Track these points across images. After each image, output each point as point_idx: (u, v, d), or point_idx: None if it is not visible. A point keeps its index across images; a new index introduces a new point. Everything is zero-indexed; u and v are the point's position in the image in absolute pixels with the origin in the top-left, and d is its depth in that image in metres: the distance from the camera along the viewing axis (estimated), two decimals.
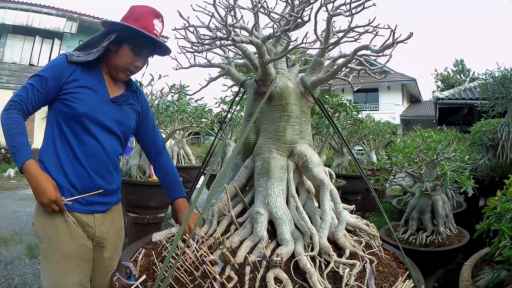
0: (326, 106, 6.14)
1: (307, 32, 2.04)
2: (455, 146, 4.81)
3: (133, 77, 2.51)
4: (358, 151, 14.48)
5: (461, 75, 45.24)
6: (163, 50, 2.41)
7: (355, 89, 3.09)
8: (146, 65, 2.41)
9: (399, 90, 37.96)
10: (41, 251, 2.19)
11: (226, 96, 5.38)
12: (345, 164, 8.62)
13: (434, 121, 17.21)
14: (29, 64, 21.32)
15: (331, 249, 1.99)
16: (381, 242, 2.43)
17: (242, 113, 5.91)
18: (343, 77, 2.73)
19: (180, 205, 2.52)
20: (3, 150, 18.60)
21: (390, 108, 35.90)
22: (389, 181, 4.90)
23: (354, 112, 6.71)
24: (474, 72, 43.28)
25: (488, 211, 2.61)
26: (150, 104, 5.04)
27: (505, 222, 2.39)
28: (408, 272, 2.18)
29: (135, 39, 2.19)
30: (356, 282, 1.86)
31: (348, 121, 7.09)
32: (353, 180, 7.51)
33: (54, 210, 2.03)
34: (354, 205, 2.67)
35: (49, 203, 2.00)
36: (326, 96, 5.96)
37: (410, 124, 29.25)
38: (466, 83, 31.13)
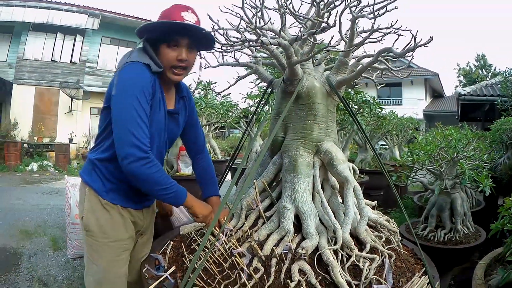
0: (350, 102, 6.21)
1: (333, 36, 2.10)
2: (475, 144, 4.80)
3: None
4: (381, 146, 14.37)
5: (483, 70, 44.62)
6: (204, 37, 2.24)
7: (378, 87, 3.12)
8: (195, 57, 2.33)
9: (422, 85, 37.58)
10: (91, 245, 2.26)
11: (252, 91, 5.44)
12: (369, 159, 8.62)
13: (457, 117, 17.02)
14: (51, 60, 21.43)
15: (353, 243, 2.06)
16: (400, 238, 2.48)
17: (267, 108, 6.00)
18: (366, 76, 2.77)
19: (212, 202, 2.58)
20: (26, 145, 18.80)
21: (413, 103, 35.65)
22: (410, 178, 4.93)
23: (378, 109, 6.75)
24: (495, 67, 42.81)
25: (503, 211, 2.63)
26: None
27: None
28: (424, 268, 2.23)
29: (166, 35, 2.15)
30: (375, 276, 1.93)
31: (372, 118, 7.13)
32: (376, 176, 7.45)
33: (207, 222, 2.35)
34: (376, 201, 2.73)
35: (205, 217, 2.33)
36: (351, 92, 6.00)
37: (433, 120, 28.94)
38: (487, 78, 30.68)
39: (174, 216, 3.11)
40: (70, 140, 19.63)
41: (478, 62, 45.46)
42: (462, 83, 43.98)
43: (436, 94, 41.14)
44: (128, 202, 2.28)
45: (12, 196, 10.20)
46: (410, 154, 4.79)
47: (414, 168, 4.79)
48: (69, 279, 4.82)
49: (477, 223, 4.76)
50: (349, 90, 5.93)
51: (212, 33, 2.18)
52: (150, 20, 21.03)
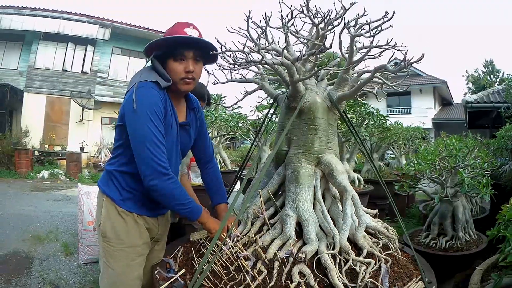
0: (354, 115, 6.33)
1: (334, 52, 2.25)
2: (476, 153, 4.90)
3: None
4: (390, 156, 14.41)
5: (491, 76, 44.12)
6: (208, 49, 2.35)
7: (380, 99, 3.23)
8: (202, 66, 2.46)
9: (430, 93, 37.40)
10: (107, 250, 2.38)
11: (260, 104, 5.61)
12: (377, 168, 8.57)
13: (465, 125, 16.98)
14: (62, 69, 21.61)
15: (350, 248, 2.20)
16: (398, 244, 2.59)
17: (275, 119, 6.13)
18: (368, 89, 2.89)
19: (221, 209, 2.75)
20: (37, 153, 18.99)
21: (422, 112, 35.54)
22: (413, 187, 5.03)
23: (382, 120, 6.86)
24: (503, 73, 42.35)
25: (500, 218, 2.74)
26: None
27: (511, 229, 2.54)
28: (424, 273, 2.34)
29: (172, 50, 2.28)
30: (371, 279, 2.06)
31: (377, 129, 7.23)
32: (382, 185, 7.46)
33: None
34: (377, 210, 2.79)
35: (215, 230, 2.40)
36: (355, 104, 6.12)
37: (442, 128, 28.90)
38: (496, 84, 30.43)
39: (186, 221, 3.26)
40: (82, 149, 19.76)
41: (486, 68, 44.98)
42: (471, 90, 43.54)
43: (445, 102, 40.88)
44: (143, 210, 2.41)
45: (23, 202, 10.30)
46: (412, 164, 4.88)
47: (416, 177, 4.89)
48: (81, 283, 4.92)
49: (481, 230, 4.82)
50: (353, 102, 6.06)
51: (221, 54, 2.31)
52: (161, 31, 21.24)
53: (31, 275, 5.12)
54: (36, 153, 19.02)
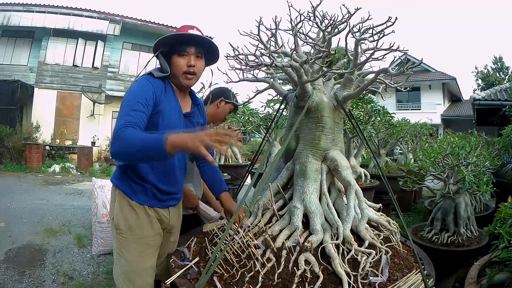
0: (361, 112, 6.44)
1: (344, 49, 2.39)
2: (479, 151, 4.98)
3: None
4: (399, 152, 14.41)
5: (500, 73, 43.52)
6: (210, 47, 2.54)
7: (384, 99, 3.33)
8: (204, 63, 2.60)
9: (440, 89, 37.02)
10: (119, 242, 2.51)
11: (273, 97, 5.73)
12: (381, 164, 8.72)
13: (473, 122, 16.86)
14: (73, 65, 21.70)
15: (353, 239, 2.35)
16: (399, 237, 2.73)
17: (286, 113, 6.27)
18: (373, 88, 3.02)
19: (224, 198, 2.85)
20: (48, 147, 19.12)
21: (432, 108, 35.18)
22: (417, 183, 5.13)
23: (388, 117, 6.97)
24: None
25: (497, 215, 2.83)
26: None
27: (505, 226, 2.62)
28: (423, 266, 2.45)
29: (176, 46, 2.46)
30: (371, 269, 2.21)
31: (383, 125, 7.33)
32: (388, 181, 7.48)
33: (215, 146, 1.84)
34: (380, 204, 2.94)
35: (211, 138, 1.82)
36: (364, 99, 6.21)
37: (451, 124, 28.67)
38: (505, 81, 30.12)
39: (201, 213, 3.40)
40: (93, 143, 19.81)
41: (496, 65, 44.37)
42: (480, 87, 43.02)
43: (454, 98, 40.42)
44: (154, 202, 2.53)
45: (35, 196, 10.40)
46: (415, 161, 4.97)
47: (419, 174, 4.99)
48: (94, 274, 5.04)
49: (484, 227, 4.87)
50: (360, 100, 6.17)
51: (234, 57, 2.46)
52: (171, 26, 21.30)
53: (45, 267, 5.22)
54: (47, 147, 19.11)
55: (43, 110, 20.41)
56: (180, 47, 2.46)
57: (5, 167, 16.17)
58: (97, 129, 21.38)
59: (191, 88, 2.72)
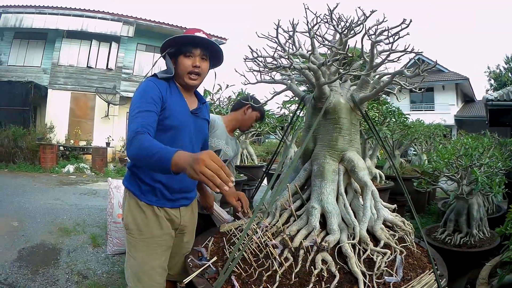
0: (377, 113, 6.45)
1: (360, 50, 2.41)
2: (491, 152, 4.99)
3: (200, 89, 2.85)
4: (413, 152, 14.36)
5: None
6: (215, 49, 2.66)
7: (399, 100, 3.34)
8: (209, 66, 2.71)
9: (453, 90, 36.89)
10: (129, 241, 2.58)
11: (291, 98, 5.75)
12: (396, 166, 8.63)
13: (486, 122, 16.71)
14: (87, 66, 21.88)
15: (369, 239, 2.38)
16: (414, 238, 2.73)
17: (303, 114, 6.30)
18: (389, 89, 3.04)
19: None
20: (62, 148, 19.28)
21: (445, 108, 35.10)
22: (431, 184, 5.13)
23: (403, 118, 6.99)
24: None
25: (508, 216, 2.86)
26: (218, 110, 5.48)
27: None
28: (436, 267, 2.47)
29: (183, 47, 2.57)
30: (386, 268, 2.23)
31: (398, 126, 7.35)
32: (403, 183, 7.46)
33: (211, 175, 1.73)
34: (395, 205, 2.91)
35: (208, 165, 1.73)
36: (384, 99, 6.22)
37: (464, 125, 28.54)
38: None
39: (214, 215, 3.42)
40: (108, 143, 19.96)
41: (508, 65, 43.89)
42: (492, 87, 42.57)
43: (467, 98, 40.19)
44: (163, 202, 2.58)
45: (49, 196, 10.46)
46: (429, 162, 4.97)
47: (433, 175, 5.00)
48: (108, 273, 5.08)
49: (495, 228, 4.87)
50: (376, 101, 6.18)
51: (252, 59, 2.52)
52: (184, 27, 21.39)
53: (59, 266, 5.27)
54: (61, 148, 19.31)
55: (57, 111, 20.58)
56: (186, 48, 2.57)
57: (19, 167, 16.30)
58: (111, 130, 21.54)
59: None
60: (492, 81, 43.71)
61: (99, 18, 21.37)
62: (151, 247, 2.55)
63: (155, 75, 2.57)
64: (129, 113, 2.37)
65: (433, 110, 35.97)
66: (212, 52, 2.67)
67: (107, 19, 21.51)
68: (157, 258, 2.57)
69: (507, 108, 12.87)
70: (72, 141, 19.91)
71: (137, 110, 2.30)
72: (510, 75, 41.54)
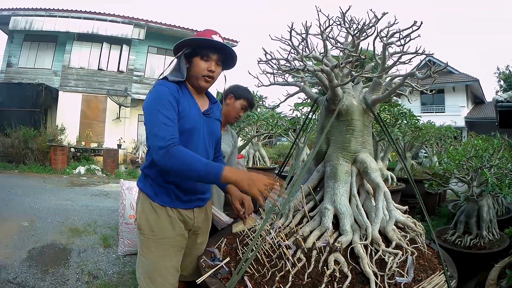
0: (388, 115, 6.46)
1: (372, 52, 2.44)
2: (501, 153, 4.97)
3: (213, 89, 2.86)
4: (424, 154, 14.32)
5: None
6: (231, 55, 2.67)
7: (411, 102, 3.36)
8: (221, 70, 2.71)
9: (463, 91, 36.58)
10: (142, 242, 2.59)
11: (304, 100, 5.75)
12: (408, 168, 8.59)
13: (496, 124, 16.59)
14: (98, 69, 21.92)
15: (381, 240, 2.40)
16: (425, 239, 2.75)
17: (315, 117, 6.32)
18: (400, 91, 3.06)
19: (232, 190, 2.81)
20: (73, 149, 19.37)
21: (456, 110, 34.85)
22: (442, 186, 5.13)
23: (414, 120, 6.99)
24: None
25: None
26: None
27: None
28: (446, 268, 2.46)
29: (200, 49, 2.54)
30: (398, 269, 2.25)
31: (410, 128, 7.35)
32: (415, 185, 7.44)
33: (268, 195, 2.18)
34: (407, 206, 2.96)
35: (266, 187, 2.16)
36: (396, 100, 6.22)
37: (475, 127, 28.37)
38: None
39: (214, 219, 3.34)
40: (119, 145, 19.98)
41: None
42: (502, 88, 42.34)
43: (477, 100, 39.93)
44: (176, 203, 2.56)
45: (60, 197, 10.46)
46: (441, 163, 4.97)
47: (444, 176, 5.00)
48: (119, 273, 5.08)
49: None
50: (388, 103, 6.19)
51: (266, 59, 2.54)
52: (196, 30, 21.44)
53: (69, 266, 5.26)
54: (72, 149, 19.35)
55: (68, 112, 20.64)
56: (204, 52, 2.55)
57: (29, 168, 16.35)
58: (123, 132, 21.59)
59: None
60: (502, 82, 43.45)
61: (110, 21, 21.43)
62: (164, 247, 2.55)
63: (165, 78, 2.56)
64: (148, 117, 2.37)
65: (444, 112, 35.79)
66: (226, 56, 2.67)
67: (118, 22, 21.57)
68: (170, 259, 2.57)
69: None
70: (83, 143, 19.97)
71: (160, 116, 2.33)
72: None
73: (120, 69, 22.36)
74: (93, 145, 20.22)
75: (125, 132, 21.80)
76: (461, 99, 36.28)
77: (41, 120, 19.68)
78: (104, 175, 16.57)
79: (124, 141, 20.88)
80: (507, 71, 43.41)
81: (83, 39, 21.54)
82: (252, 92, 3.90)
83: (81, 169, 16.71)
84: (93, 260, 5.54)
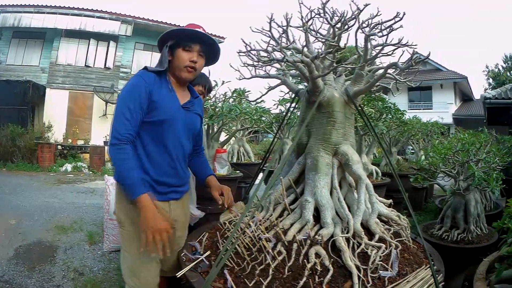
0: (372, 109, 6.46)
1: (355, 47, 2.41)
2: (489, 148, 4.98)
3: None
4: (411, 150, 14.36)
5: (511, 72, 42.90)
6: (214, 47, 2.68)
7: (395, 94, 3.35)
8: (204, 63, 2.72)
9: (451, 89, 36.98)
10: (122, 236, 2.58)
11: (283, 97, 5.74)
12: (393, 163, 8.59)
13: (484, 121, 16.68)
14: (85, 65, 21.84)
15: (363, 233, 2.38)
16: (410, 233, 2.73)
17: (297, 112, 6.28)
18: (384, 84, 3.05)
19: (210, 180, 2.93)
20: (60, 147, 19.25)
21: (443, 107, 35.18)
22: (427, 180, 5.14)
23: (399, 115, 6.99)
24: None
25: (506, 211, 2.85)
26: (214, 106, 5.45)
27: None
28: (433, 262, 2.46)
29: (182, 40, 2.56)
30: (381, 262, 2.23)
31: (394, 123, 7.35)
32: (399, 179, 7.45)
33: (161, 238, 2.29)
34: (391, 200, 2.96)
35: (160, 230, 2.28)
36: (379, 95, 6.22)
37: (463, 124, 28.56)
38: None
39: None
40: (105, 142, 19.84)
41: (506, 64, 43.76)
42: (491, 86, 42.53)
43: (465, 97, 40.32)
44: (152, 195, 2.47)
45: (47, 194, 10.43)
46: (426, 158, 4.97)
47: (430, 170, 5.00)
48: (105, 270, 5.05)
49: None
50: (371, 97, 6.19)
51: (246, 53, 2.53)
52: (182, 26, 21.53)
53: (55, 263, 5.24)
54: (59, 147, 19.24)
55: (55, 110, 20.57)
56: (186, 43, 2.57)
57: (17, 166, 16.27)
58: (109, 128, 21.23)
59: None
60: (491, 80, 43.71)
61: (97, 17, 21.36)
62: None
63: (145, 68, 2.56)
64: (117, 107, 2.47)
65: (431, 108, 36.00)
66: (209, 50, 2.68)
67: (105, 18, 21.50)
68: (151, 252, 2.49)
69: (505, 107, 12.87)
70: (70, 140, 19.91)
71: (125, 107, 2.41)
72: (509, 74, 41.51)
73: (107, 66, 22.30)
74: (80, 142, 20.17)
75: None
76: (449, 96, 36.61)
77: (29, 117, 19.62)
78: (91, 172, 16.49)
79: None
80: (496, 69, 43.63)
81: (70, 36, 21.44)
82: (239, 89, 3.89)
83: (68, 167, 16.63)
84: (79, 257, 5.51)
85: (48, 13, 20.55)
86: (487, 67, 44.27)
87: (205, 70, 2.80)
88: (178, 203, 2.76)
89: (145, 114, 2.47)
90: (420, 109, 35.35)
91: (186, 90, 2.79)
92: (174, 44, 2.58)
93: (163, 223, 2.30)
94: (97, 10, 21.57)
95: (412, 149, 12.53)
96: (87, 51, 22.01)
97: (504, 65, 42.93)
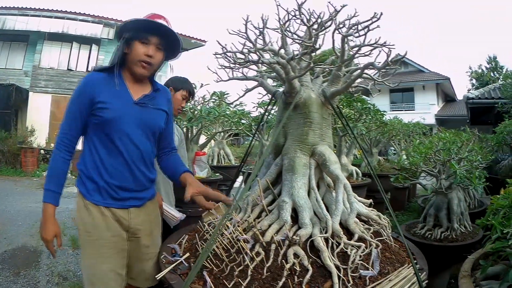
0: (352, 110, 6.50)
1: (332, 49, 2.43)
2: (471, 146, 5.02)
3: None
4: (393, 151, 14.44)
5: (495, 72, 43.28)
6: (174, 40, 2.56)
7: (374, 95, 3.37)
8: (164, 57, 2.61)
9: (433, 90, 37.47)
10: (81, 241, 2.53)
11: (263, 100, 5.79)
12: (374, 163, 8.82)
13: (468, 121, 16.83)
14: (67, 69, 21.81)
15: (342, 233, 2.38)
16: (391, 232, 2.74)
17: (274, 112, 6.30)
18: (363, 85, 3.06)
19: (189, 179, 2.71)
20: (43, 151, 19.11)
21: (426, 108, 35.65)
22: (408, 179, 5.17)
23: (379, 115, 7.03)
24: (507, 69, 41.59)
25: (489, 208, 2.86)
26: (193, 110, 5.42)
27: (498, 217, 2.66)
28: (415, 261, 2.48)
29: (140, 32, 2.42)
30: (362, 262, 2.23)
31: (374, 123, 7.38)
32: (380, 179, 7.51)
33: (46, 246, 2.52)
34: (371, 200, 2.97)
35: (45, 240, 2.48)
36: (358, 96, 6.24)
37: (445, 124, 28.81)
38: (499, 80, 30.24)
39: (165, 214, 3.35)
40: None
41: (490, 64, 44.20)
42: (474, 86, 42.93)
43: (448, 98, 40.78)
44: (109, 202, 2.46)
45: (30, 199, 10.45)
46: (407, 157, 5.01)
47: (411, 170, 5.03)
48: None
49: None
50: (351, 98, 6.22)
51: (222, 53, 2.52)
52: None
53: (40, 268, 5.30)
54: (42, 151, 19.10)
55: (38, 114, 20.47)
56: (143, 34, 2.44)
57: (0, 171, 16.20)
58: None
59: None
60: (474, 81, 44.13)
61: (80, 20, 21.29)
62: (100, 249, 2.45)
63: (93, 68, 2.55)
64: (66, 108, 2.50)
65: (414, 110, 36.47)
66: (169, 42, 2.57)
67: (88, 21, 21.44)
68: (107, 262, 2.46)
69: (488, 106, 13.01)
70: (52, 145, 19.68)
71: (67, 113, 2.50)
72: (493, 75, 41.92)
73: (89, 70, 21.98)
74: None
75: None
76: (431, 97, 37.13)
77: (12, 121, 19.49)
78: (73, 177, 16.34)
79: None
80: (480, 70, 44.06)
81: (53, 39, 21.35)
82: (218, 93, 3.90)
83: None
84: (62, 261, 5.58)
85: (32, 15, 20.42)
86: (470, 68, 44.71)
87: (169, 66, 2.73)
88: (140, 210, 2.64)
89: (90, 116, 2.44)
90: (402, 110, 35.73)
91: (146, 84, 2.67)
92: (132, 35, 2.45)
93: (47, 233, 2.44)
94: (80, 13, 21.49)
95: (394, 151, 12.60)
96: (70, 55, 21.98)
97: (487, 66, 43.39)
